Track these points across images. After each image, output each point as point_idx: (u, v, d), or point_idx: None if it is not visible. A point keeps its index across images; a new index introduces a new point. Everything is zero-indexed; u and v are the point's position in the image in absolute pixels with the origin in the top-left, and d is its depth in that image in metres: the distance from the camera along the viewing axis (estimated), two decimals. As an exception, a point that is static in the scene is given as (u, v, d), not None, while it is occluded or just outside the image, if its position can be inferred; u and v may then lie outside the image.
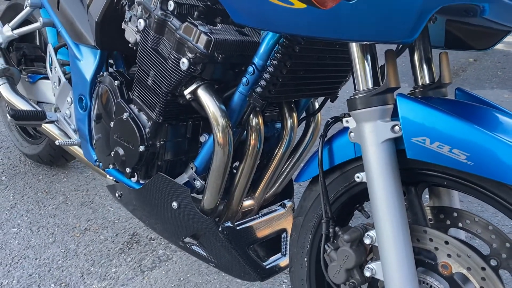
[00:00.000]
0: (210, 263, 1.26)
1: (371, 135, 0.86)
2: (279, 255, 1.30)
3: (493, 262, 0.96)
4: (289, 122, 1.27)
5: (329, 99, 1.30)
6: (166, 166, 1.26)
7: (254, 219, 1.28)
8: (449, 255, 0.87)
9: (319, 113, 1.40)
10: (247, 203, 1.32)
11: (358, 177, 0.93)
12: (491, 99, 0.97)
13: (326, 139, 1.01)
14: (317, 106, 1.39)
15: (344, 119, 0.93)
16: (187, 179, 1.22)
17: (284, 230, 1.34)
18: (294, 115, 1.28)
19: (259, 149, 1.17)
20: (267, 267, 1.23)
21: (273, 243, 1.33)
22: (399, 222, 0.86)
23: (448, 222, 1.01)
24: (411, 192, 0.98)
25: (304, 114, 1.39)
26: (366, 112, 0.86)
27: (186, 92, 1.10)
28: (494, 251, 0.95)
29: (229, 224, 1.20)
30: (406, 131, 0.81)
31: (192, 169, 1.21)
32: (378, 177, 0.86)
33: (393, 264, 0.87)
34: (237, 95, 1.10)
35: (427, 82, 1.03)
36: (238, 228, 1.21)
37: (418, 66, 1.03)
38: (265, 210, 1.39)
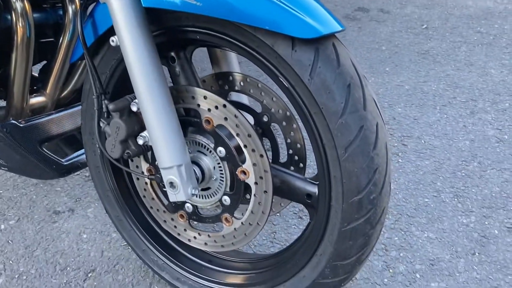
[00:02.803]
0: (2, 167, 1.16)
1: (112, -12, 0.80)
2: (82, 150, 1.24)
3: (265, 118, 1.01)
4: (70, 7, 1.16)
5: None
6: None
7: (45, 116, 1.18)
8: (209, 110, 0.88)
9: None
10: (37, 100, 1.21)
11: (112, 40, 0.87)
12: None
13: (87, 10, 0.93)
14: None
15: (91, -21, 0.85)
16: (-48, 78, 1.08)
17: (86, 125, 1.27)
18: (76, -1, 1.17)
19: (29, 37, 1.06)
20: (65, 163, 1.17)
21: (77, 139, 1.26)
22: (155, 81, 0.83)
23: (226, 87, 1.02)
24: (181, 57, 0.96)
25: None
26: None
27: None
28: (265, 107, 0.99)
29: (11, 121, 1.10)
30: (138, -22, 0.76)
31: (-47, 64, 1.06)
32: (126, 35, 0.81)
33: (156, 126, 0.85)
34: (-21, -32, 0.96)
35: None
36: (23, 125, 1.11)
37: None
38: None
